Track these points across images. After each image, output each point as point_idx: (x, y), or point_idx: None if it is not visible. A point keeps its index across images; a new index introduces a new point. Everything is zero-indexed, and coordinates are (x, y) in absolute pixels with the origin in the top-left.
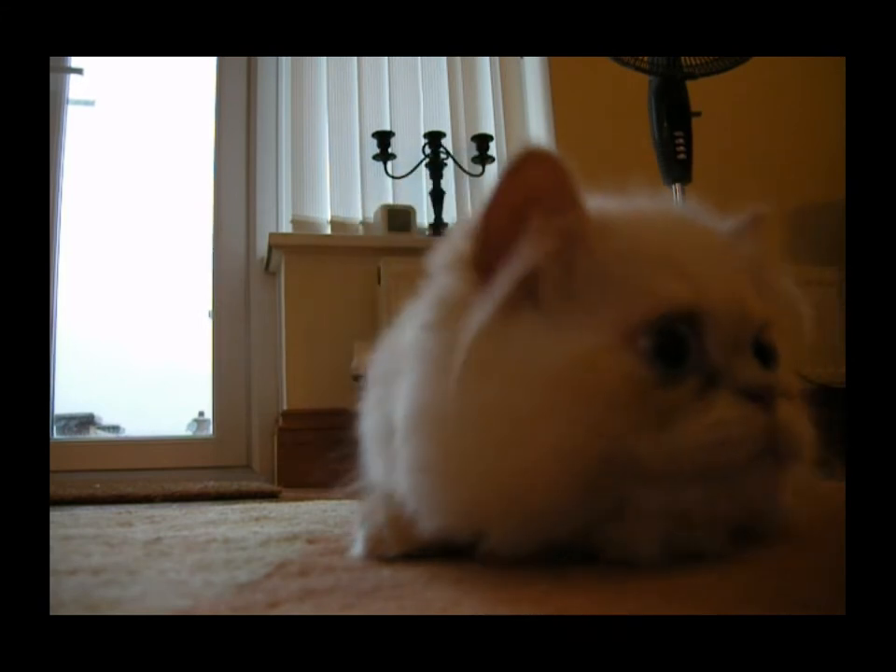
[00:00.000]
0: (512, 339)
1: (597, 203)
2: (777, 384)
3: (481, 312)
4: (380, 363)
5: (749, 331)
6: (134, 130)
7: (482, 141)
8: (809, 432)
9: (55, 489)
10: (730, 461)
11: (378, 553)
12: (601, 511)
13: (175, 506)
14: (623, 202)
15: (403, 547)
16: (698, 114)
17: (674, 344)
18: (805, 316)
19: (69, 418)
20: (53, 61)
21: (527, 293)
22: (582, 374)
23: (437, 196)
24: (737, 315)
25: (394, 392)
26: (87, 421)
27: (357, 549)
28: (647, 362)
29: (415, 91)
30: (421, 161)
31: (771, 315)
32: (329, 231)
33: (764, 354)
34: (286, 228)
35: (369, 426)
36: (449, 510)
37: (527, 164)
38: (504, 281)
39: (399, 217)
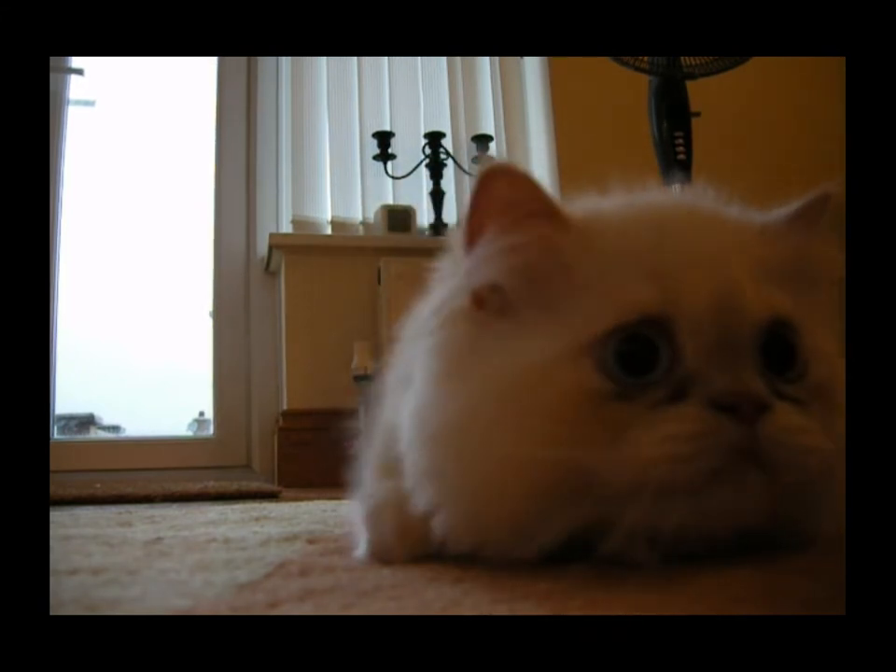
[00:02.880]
0: (484, 350)
1: (591, 203)
2: (757, 392)
3: (452, 325)
4: (394, 370)
5: (742, 333)
6: (134, 130)
7: (482, 141)
8: (817, 444)
9: (55, 489)
10: (681, 478)
11: (383, 561)
12: (582, 526)
13: (174, 506)
14: (623, 199)
15: (409, 556)
16: (698, 114)
17: (640, 352)
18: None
19: (69, 418)
20: (53, 61)
21: (504, 305)
22: (534, 385)
23: (437, 196)
24: (719, 316)
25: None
26: (87, 421)
27: (361, 553)
28: (604, 372)
29: (415, 91)
30: (421, 162)
31: (787, 312)
32: (329, 231)
33: (779, 356)
34: (286, 228)
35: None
36: (445, 517)
37: (491, 181)
38: (455, 294)
39: (398, 217)
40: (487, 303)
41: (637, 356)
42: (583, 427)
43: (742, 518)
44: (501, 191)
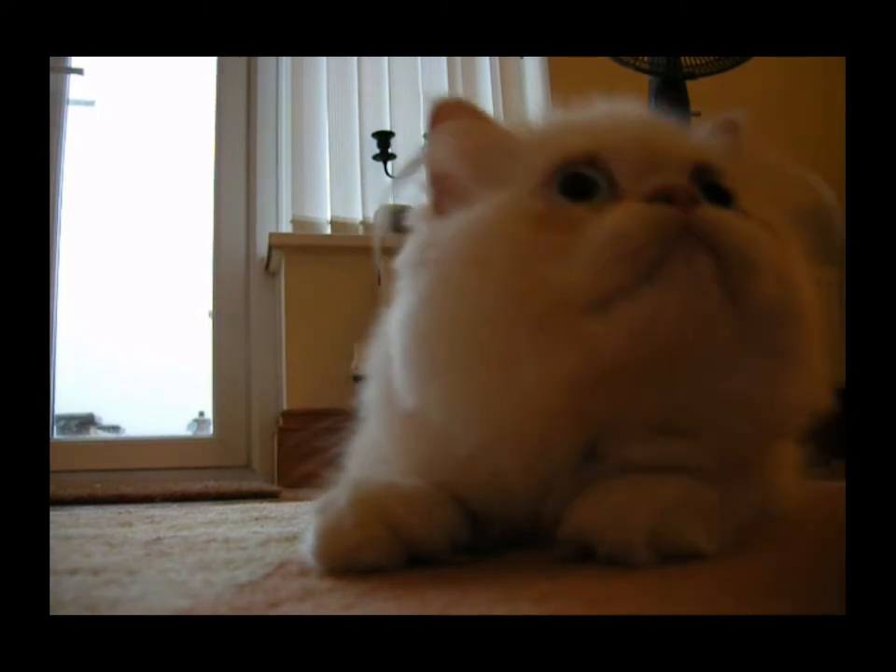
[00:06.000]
0: (442, 230)
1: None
2: (690, 188)
3: (421, 225)
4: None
5: (672, 164)
6: (134, 130)
7: None
8: (754, 232)
9: (55, 489)
10: (634, 246)
11: (336, 549)
12: (584, 412)
13: (174, 506)
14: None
15: (365, 533)
16: (698, 114)
17: (580, 185)
18: (825, 199)
19: (69, 418)
20: (53, 61)
21: (460, 191)
22: (491, 224)
23: None
24: (648, 150)
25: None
26: (87, 421)
27: (309, 545)
28: (549, 200)
29: (415, 91)
30: None
31: (716, 160)
32: (329, 231)
33: (716, 195)
34: (286, 228)
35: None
36: (438, 410)
37: (440, 109)
38: (427, 187)
39: (399, 218)
40: (445, 191)
41: (578, 188)
42: (536, 243)
43: (703, 313)
44: (448, 111)
